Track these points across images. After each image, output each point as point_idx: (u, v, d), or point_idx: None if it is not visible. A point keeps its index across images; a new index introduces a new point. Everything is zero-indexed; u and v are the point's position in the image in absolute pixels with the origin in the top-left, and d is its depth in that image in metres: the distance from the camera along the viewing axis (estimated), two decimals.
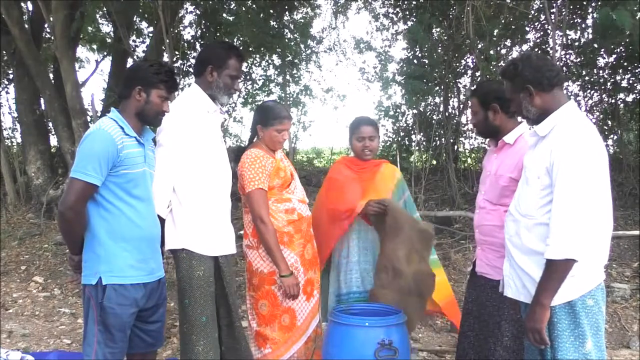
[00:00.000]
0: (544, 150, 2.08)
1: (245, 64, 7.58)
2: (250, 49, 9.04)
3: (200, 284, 2.68)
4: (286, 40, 9.01)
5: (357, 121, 3.30)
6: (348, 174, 3.29)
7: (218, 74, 2.73)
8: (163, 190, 2.60)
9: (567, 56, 8.24)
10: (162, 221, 2.63)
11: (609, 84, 8.21)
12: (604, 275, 2.11)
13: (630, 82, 8.20)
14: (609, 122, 8.59)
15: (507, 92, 2.23)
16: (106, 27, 10.23)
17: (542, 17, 7.66)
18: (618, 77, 8.21)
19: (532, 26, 8.38)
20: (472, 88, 2.90)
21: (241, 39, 8.99)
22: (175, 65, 8.67)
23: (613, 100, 8.39)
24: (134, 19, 9.14)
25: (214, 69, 2.73)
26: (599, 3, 7.04)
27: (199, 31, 9.59)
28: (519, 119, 2.61)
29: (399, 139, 9.45)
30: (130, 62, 8.62)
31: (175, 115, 2.65)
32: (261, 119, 2.95)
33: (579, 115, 2.15)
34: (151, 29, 9.57)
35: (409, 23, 8.91)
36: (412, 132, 9.10)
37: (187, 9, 9.37)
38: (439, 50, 8.34)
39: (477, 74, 8.14)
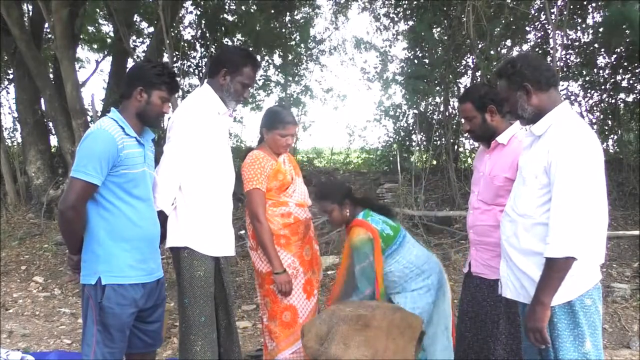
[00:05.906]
0: (541, 150, 2.07)
1: None
2: (251, 49, 9.05)
3: (200, 284, 2.69)
4: (284, 40, 9.02)
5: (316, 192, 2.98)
6: None
7: (231, 78, 2.75)
8: (168, 186, 2.61)
9: (567, 56, 8.25)
10: (164, 217, 2.63)
11: (609, 84, 8.21)
12: (600, 274, 2.11)
13: (630, 82, 8.20)
14: (609, 122, 8.58)
15: (503, 91, 2.22)
16: (106, 27, 10.26)
17: (543, 17, 7.66)
18: (618, 77, 8.22)
19: (533, 26, 8.39)
20: (460, 96, 2.85)
21: (242, 38, 9.00)
22: (176, 65, 8.67)
23: (613, 100, 8.39)
24: (134, 19, 9.15)
25: (228, 73, 2.75)
26: (600, 3, 7.05)
27: (199, 31, 9.60)
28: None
29: (400, 138, 9.47)
30: (130, 62, 8.63)
31: (185, 113, 2.66)
32: (266, 122, 3.00)
33: (574, 114, 2.15)
34: (151, 29, 9.59)
35: (410, 23, 8.93)
36: (413, 132, 9.11)
37: (187, 9, 9.38)
38: (440, 50, 8.34)
39: (478, 74, 8.14)
